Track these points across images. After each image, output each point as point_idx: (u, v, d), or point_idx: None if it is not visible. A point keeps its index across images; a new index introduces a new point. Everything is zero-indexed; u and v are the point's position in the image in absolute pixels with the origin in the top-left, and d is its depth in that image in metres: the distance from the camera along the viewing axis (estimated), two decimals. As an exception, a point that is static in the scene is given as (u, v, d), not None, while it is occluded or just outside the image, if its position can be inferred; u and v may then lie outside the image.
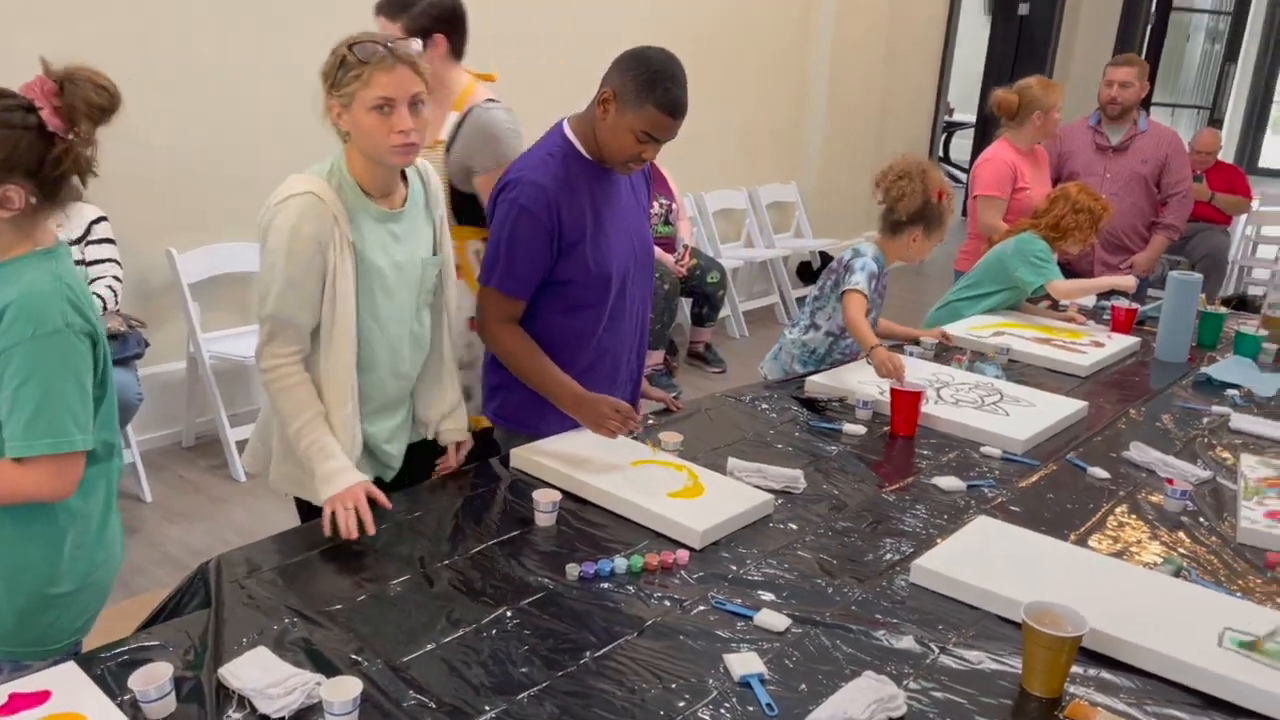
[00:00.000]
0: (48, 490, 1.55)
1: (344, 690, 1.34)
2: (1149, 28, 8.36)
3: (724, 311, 5.47)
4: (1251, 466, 2.27)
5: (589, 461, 2.08)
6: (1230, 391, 2.86)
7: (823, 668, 1.53)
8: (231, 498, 3.62)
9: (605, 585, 1.73)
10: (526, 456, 2.13)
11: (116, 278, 3.36)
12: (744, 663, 1.52)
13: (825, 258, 6.21)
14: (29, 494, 1.55)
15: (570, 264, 2.11)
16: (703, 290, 5.12)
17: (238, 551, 1.78)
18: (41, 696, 1.33)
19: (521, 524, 1.91)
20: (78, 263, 3.23)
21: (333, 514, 1.81)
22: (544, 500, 1.91)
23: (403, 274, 1.94)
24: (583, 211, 2.10)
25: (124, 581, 2.93)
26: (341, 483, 1.84)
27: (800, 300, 6.12)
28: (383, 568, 1.76)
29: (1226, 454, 2.42)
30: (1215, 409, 2.72)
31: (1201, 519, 2.08)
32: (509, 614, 1.63)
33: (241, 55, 3.87)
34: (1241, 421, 2.61)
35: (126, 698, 1.35)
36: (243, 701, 1.37)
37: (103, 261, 3.35)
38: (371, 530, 1.81)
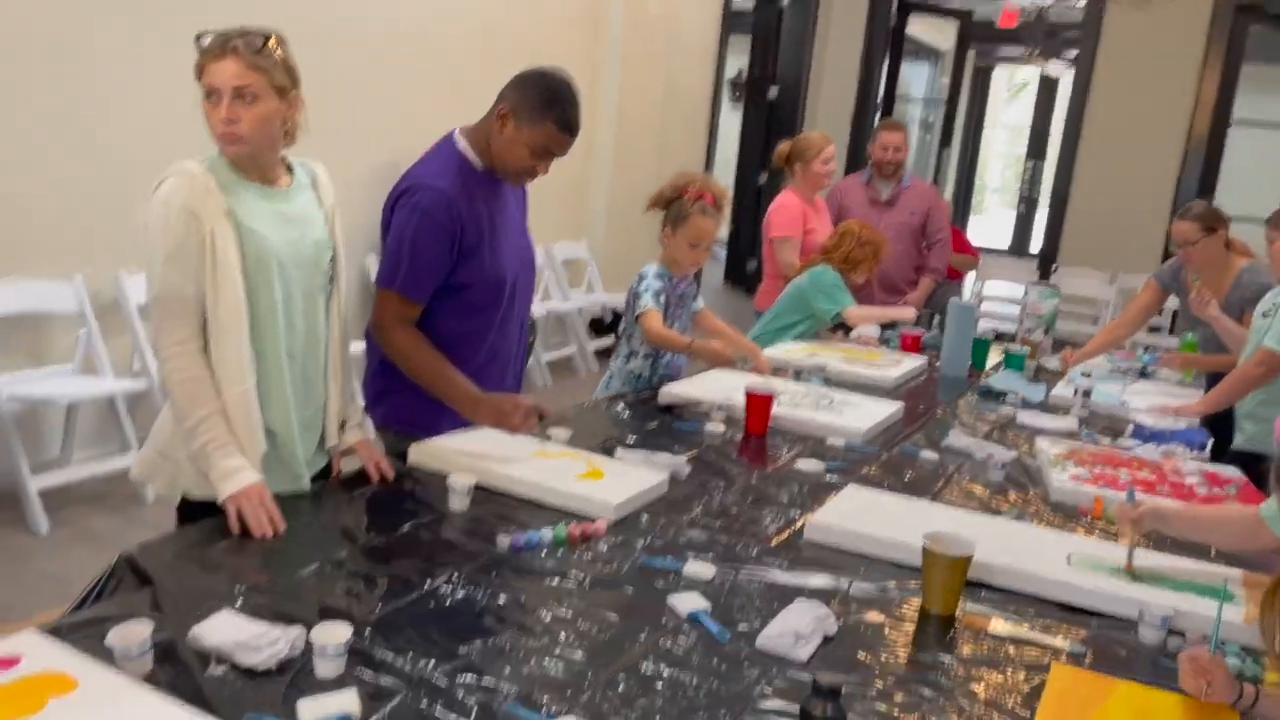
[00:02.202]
0: None
1: (336, 634, 1.37)
2: (878, 113, 9.38)
3: (529, 361, 5.60)
4: (1046, 447, 2.66)
5: (489, 455, 2.15)
6: (1008, 397, 3.31)
7: (755, 604, 1.69)
8: (36, 550, 3.33)
9: (535, 554, 1.81)
10: (426, 451, 2.17)
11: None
12: (688, 601, 1.66)
13: (616, 314, 6.50)
14: None
15: (469, 268, 2.20)
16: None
17: (153, 540, 1.73)
18: (9, 662, 1.27)
19: (434, 510, 1.96)
20: None
21: (238, 512, 1.77)
22: (459, 483, 1.97)
23: (297, 252, 1.90)
24: (480, 217, 2.20)
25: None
26: (243, 480, 1.81)
27: (596, 352, 6.36)
28: (316, 545, 1.76)
29: (1021, 440, 2.82)
30: (1002, 409, 3.15)
31: (1020, 485, 2.43)
32: (457, 575, 1.69)
33: (49, 89, 3.67)
34: (1025, 418, 3.04)
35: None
36: (220, 659, 1.36)
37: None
38: (282, 526, 1.79)
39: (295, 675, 1.35)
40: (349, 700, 1.29)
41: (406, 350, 2.19)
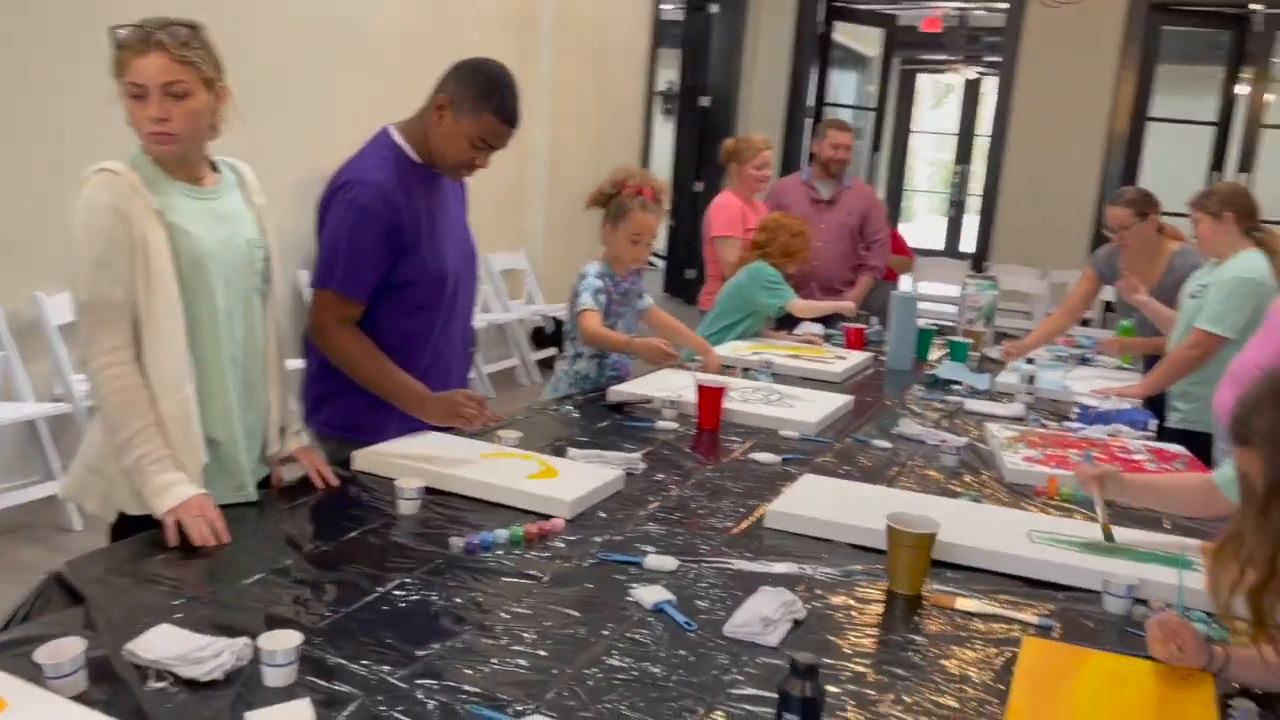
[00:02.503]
0: None
1: (284, 640, 1.29)
2: (809, 120, 9.47)
3: (470, 373, 5.51)
4: (996, 432, 2.66)
5: (437, 458, 2.08)
6: (954, 386, 3.32)
7: (717, 592, 1.65)
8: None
9: (491, 554, 1.75)
10: (371, 457, 2.09)
11: None
12: (652, 593, 1.61)
13: (558, 323, 6.44)
14: None
15: (410, 265, 2.13)
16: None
17: (83, 557, 1.63)
18: (-73, 687, 1.17)
19: (383, 515, 1.89)
20: None
21: (177, 525, 1.67)
22: (407, 487, 1.90)
23: (230, 253, 1.82)
24: (419, 213, 2.14)
25: None
26: (181, 494, 1.71)
27: (539, 363, 6.29)
28: (259, 556, 1.68)
29: (970, 427, 2.82)
30: (950, 398, 3.16)
31: (974, 469, 2.42)
32: (409, 580, 1.62)
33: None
34: (972, 405, 3.05)
35: (29, 680, 1.22)
36: (161, 674, 1.28)
37: None
38: (226, 538, 1.70)
39: (242, 687, 1.27)
40: (301, 709, 1.21)
41: (349, 351, 2.11)
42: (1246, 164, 7.88)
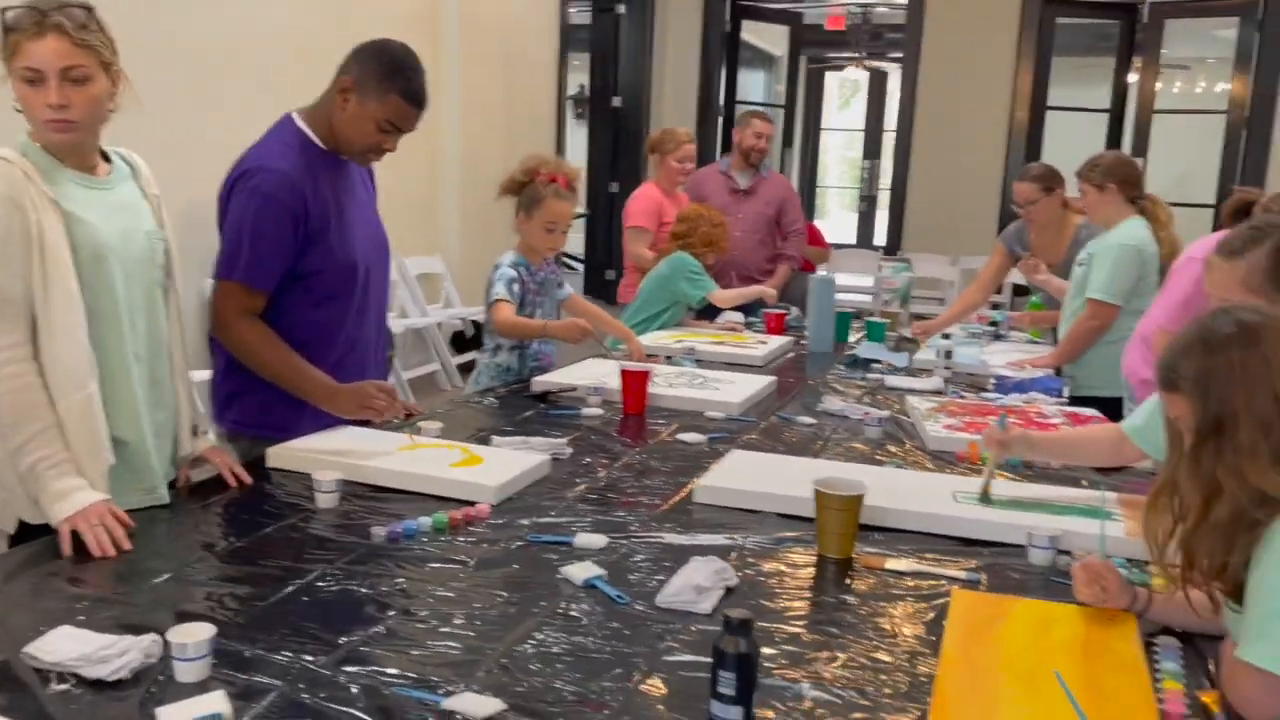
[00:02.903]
0: None
1: (195, 633, 1.23)
2: (720, 118, 9.54)
3: (388, 369, 5.40)
4: (917, 404, 2.69)
5: (355, 451, 2.02)
6: (874, 365, 3.35)
7: (647, 566, 1.63)
8: None
9: (414, 542, 1.70)
10: (286, 454, 2.02)
11: None
12: (582, 570, 1.58)
13: (478, 325, 6.36)
14: None
15: (317, 253, 2.07)
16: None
17: (-24, 567, 1.54)
18: None
19: (300, 510, 1.82)
20: None
21: (73, 534, 1.58)
22: (325, 479, 1.84)
23: (130, 245, 1.74)
24: (325, 200, 2.08)
25: None
26: (80, 500, 1.62)
27: (460, 367, 6.20)
28: (169, 556, 1.60)
29: (892, 401, 2.85)
30: (871, 376, 3.19)
31: (898, 439, 2.44)
32: (331, 571, 1.56)
33: None
34: (893, 381, 3.09)
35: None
36: (63, 676, 1.21)
37: None
38: (127, 545, 1.61)
39: (152, 684, 1.21)
40: (216, 701, 1.16)
41: (253, 343, 2.03)
42: (1140, 148, 8.15)
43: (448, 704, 1.18)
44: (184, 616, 1.37)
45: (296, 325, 2.09)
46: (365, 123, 2.06)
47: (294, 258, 2.04)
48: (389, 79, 2.03)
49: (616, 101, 9.34)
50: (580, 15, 9.72)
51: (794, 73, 11.62)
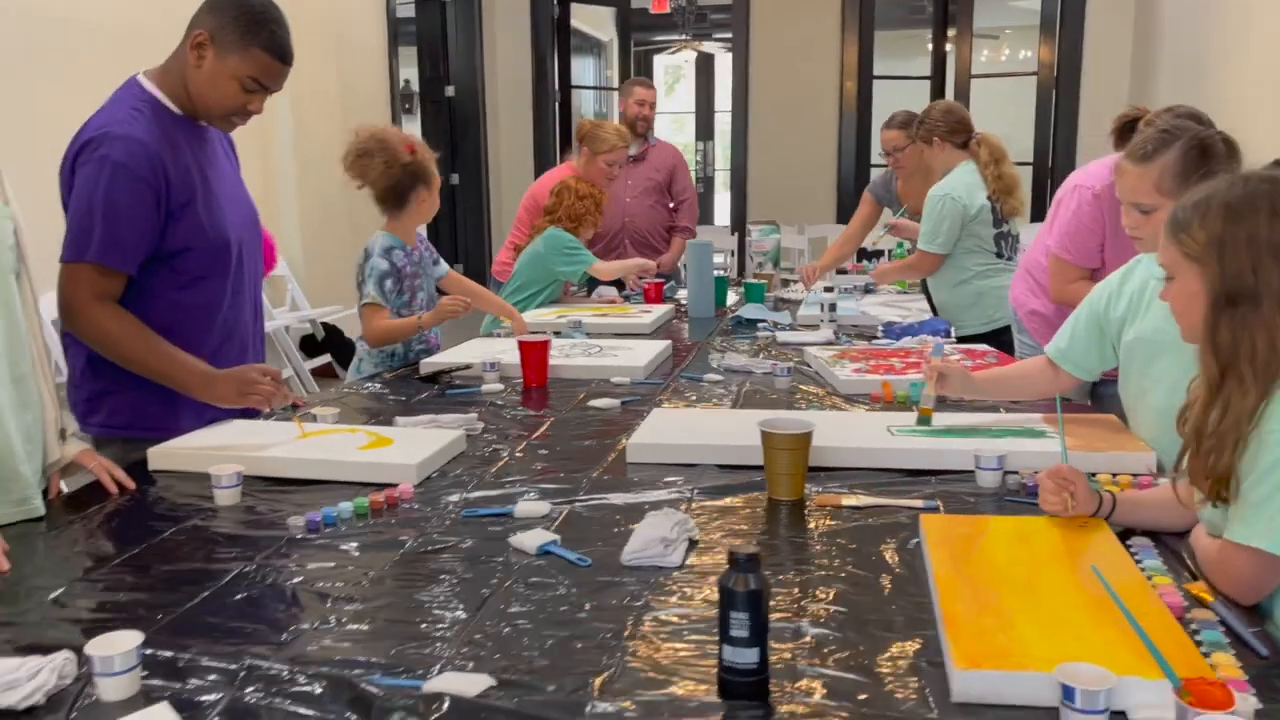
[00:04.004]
0: None
1: (122, 642, 1.06)
2: (556, 103, 9.44)
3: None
4: (817, 353, 2.67)
5: (246, 444, 1.83)
6: (760, 324, 3.33)
7: (599, 528, 1.53)
8: None
9: (336, 530, 1.54)
10: (169, 454, 1.82)
11: None
12: (533, 538, 1.46)
13: (329, 328, 6.05)
14: None
15: (183, 229, 1.85)
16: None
17: None
18: None
19: (198, 510, 1.63)
20: None
21: None
22: (224, 474, 1.65)
23: None
24: (188, 169, 1.87)
25: None
26: None
27: (313, 371, 5.88)
28: (58, 571, 1.40)
29: (789, 355, 2.82)
30: (760, 335, 3.16)
31: (809, 387, 2.41)
32: (251, 567, 1.40)
33: None
34: (784, 337, 3.07)
35: None
36: (-40, 711, 1.02)
37: None
38: (4, 565, 1.38)
39: (72, 709, 1.03)
40: (162, 713, 0.99)
41: (113, 332, 1.80)
42: (962, 111, 8.51)
43: (430, 686, 1.05)
44: (93, 630, 1.18)
45: (167, 311, 1.87)
46: (225, 81, 1.85)
47: (155, 235, 1.83)
48: (250, 31, 1.84)
49: (450, 91, 9.10)
50: (404, 9, 9.43)
51: (627, 57, 11.62)
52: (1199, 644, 1.09)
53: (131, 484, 1.71)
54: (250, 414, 2.04)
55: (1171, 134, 1.72)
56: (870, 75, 8.60)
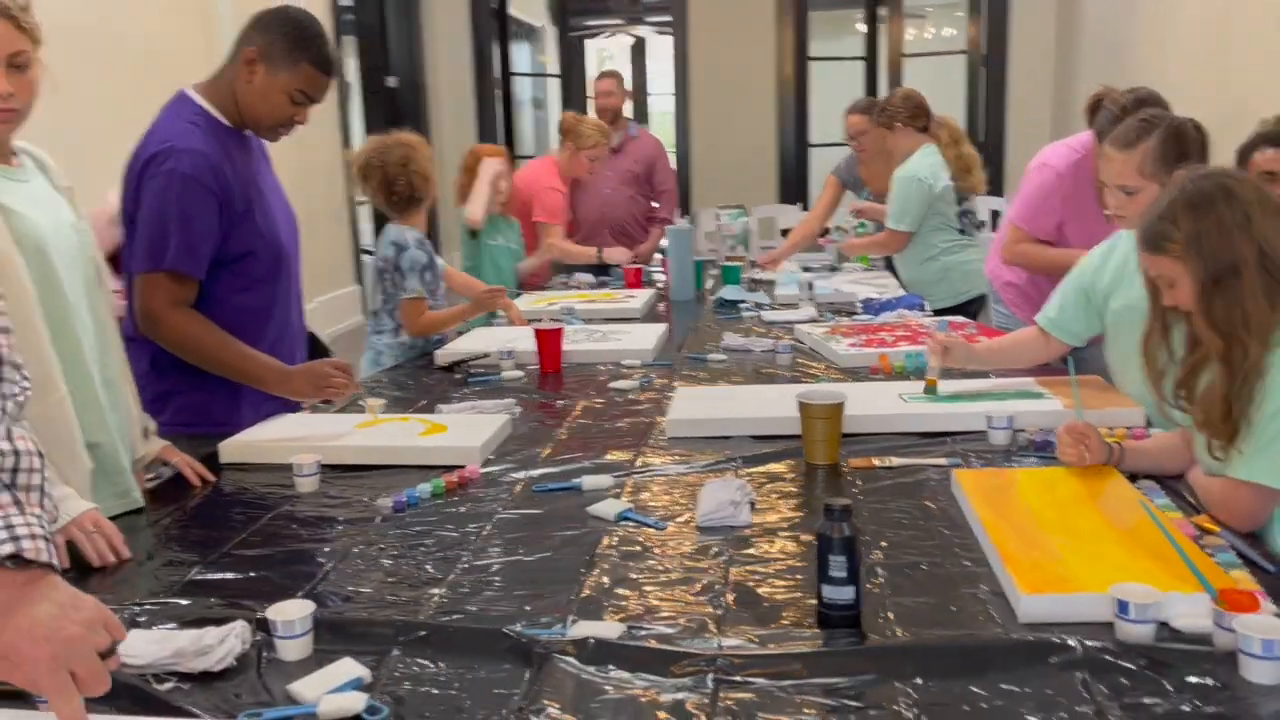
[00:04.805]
0: None
1: (296, 610, 1.19)
2: (497, 91, 9.51)
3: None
4: (809, 331, 2.86)
5: (313, 435, 1.96)
6: (742, 304, 3.51)
7: (665, 498, 1.69)
8: None
9: (419, 510, 1.68)
10: (240, 448, 1.93)
11: None
12: (610, 506, 1.62)
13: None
14: None
15: (244, 234, 1.97)
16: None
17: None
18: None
19: (282, 499, 1.75)
20: None
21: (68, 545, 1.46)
22: (305, 463, 1.77)
23: (64, 238, 1.61)
24: (244, 178, 1.98)
25: None
26: (72, 509, 1.48)
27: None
28: (174, 554, 1.52)
29: (779, 333, 3.00)
30: (745, 316, 3.34)
31: (809, 363, 2.60)
32: (363, 540, 1.53)
33: None
34: (770, 316, 3.24)
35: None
36: (159, 677, 1.14)
37: None
38: (126, 553, 1.50)
39: (259, 667, 1.17)
40: (350, 667, 1.14)
41: (195, 335, 1.92)
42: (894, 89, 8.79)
43: (573, 632, 1.21)
44: (240, 604, 1.31)
45: (228, 312, 1.98)
46: (276, 95, 1.96)
47: (220, 242, 1.94)
48: (299, 47, 1.95)
49: (392, 82, 9.11)
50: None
51: (565, 43, 11.71)
52: (1218, 565, 1.29)
53: (211, 476, 1.82)
54: (295, 407, 2.16)
55: (1151, 123, 1.94)
56: (805, 56, 8.81)
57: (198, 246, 1.90)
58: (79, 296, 1.62)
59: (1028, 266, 2.87)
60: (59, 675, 0.90)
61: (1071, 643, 1.14)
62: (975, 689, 1.09)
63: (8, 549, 0.92)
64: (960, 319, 2.93)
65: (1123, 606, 1.15)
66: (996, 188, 6.67)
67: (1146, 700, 1.05)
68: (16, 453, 0.97)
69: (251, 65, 1.95)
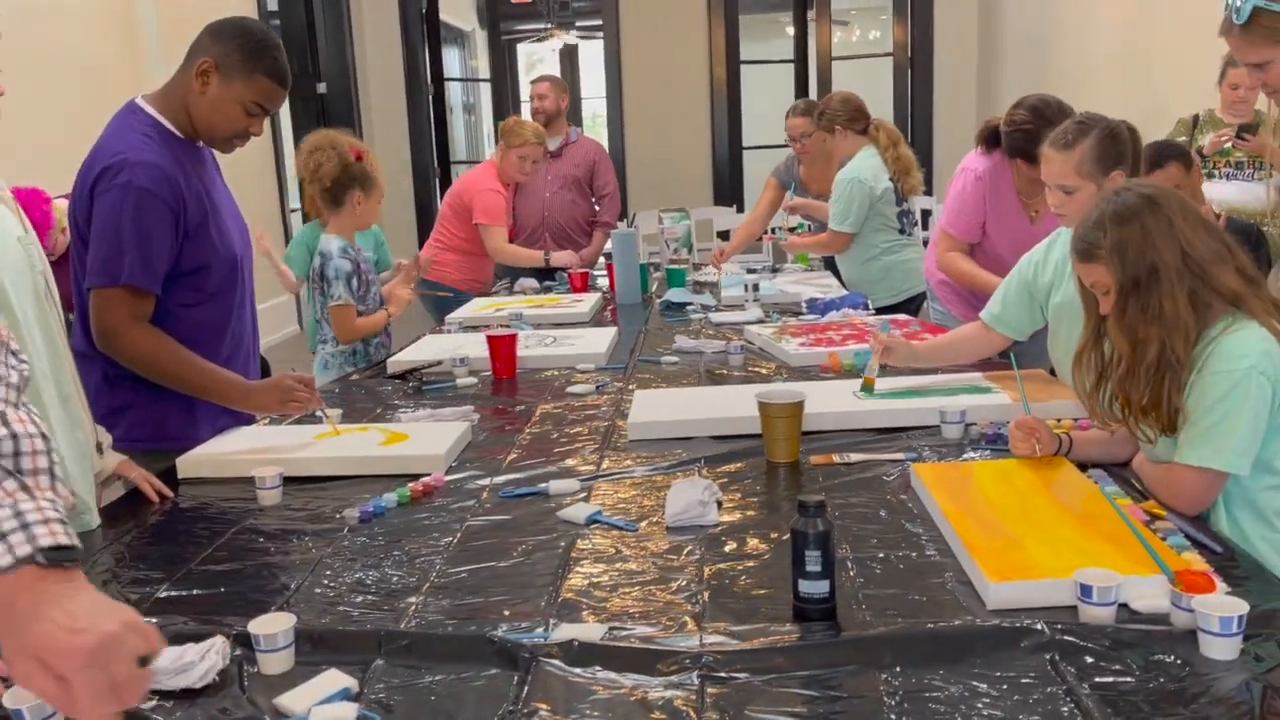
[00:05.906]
0: None
1: (280, 622, 1.19)
2: (430, 95, 9.45)
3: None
4: (758, 331, 2.90)
5: (272, 448, 1.94)
6: (688, 308, 3.54)
7: (633, 500, 1.71)
8: None
9: (386, 519, 1.68)
10: (198, 462, 1.90)
11: None
12: (578, 510, 1.64)
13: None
14: None
15: (200, 247, 1.94)
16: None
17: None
18: None
19: (244, 513, 1.73)
20: None
21: None
22: (268, 475, 1.76)
23: (7, 250, 1.57)
24: (198, 190, 1.95)
25: None
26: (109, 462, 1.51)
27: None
28: (141, 580, 1.49)
29: (728, 334, 3.04)
30: (692, 318, 3.38)
31: (761, 363, 2.64)
32: (331, 551, 1.53)
33: None
34: (718, 318, 3.29)
35: None
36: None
37: None
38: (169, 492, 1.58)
39: (241, 682, 1.16)
40: (337, 678, 1.14)
41: (153, 351, 1.89)
42: (825, 92, 8.93)
43: (556, 636, 1.22)
44: (213, 621, 1.30)
45: (183, 326, 1.95)
46: (230, 106, 1.94)
47: (175, 255, 1.91)
48: (253, 58, 1.93)
49: (322, 88, 9.00)
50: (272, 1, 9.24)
51: (495, 48, 11.67)
52: (1170, 547, 1.35)
53: (169, 491, 1.79)
54: (250, 420, 2.14)
55: (1086, 125, 2.01)
56: (737, 59, 8.90)
57: (154, 261, 1.87)
58: (29, 311, 1.58)
59: (953, 277, 2.98)
60: (95, 673, 0.82)
61: (1039, 626, 1.18)
62: (951, 674, 1.13)
63: (25, 550, 0.86)
64: (904, 316, 3.00)
65: (1085, 590, 1.20)
66: (927, 187, 6.83)
67: (1113, 679, 1.10)
68: (15, 436, 0.94)
69: (205, 76, 1.93)
